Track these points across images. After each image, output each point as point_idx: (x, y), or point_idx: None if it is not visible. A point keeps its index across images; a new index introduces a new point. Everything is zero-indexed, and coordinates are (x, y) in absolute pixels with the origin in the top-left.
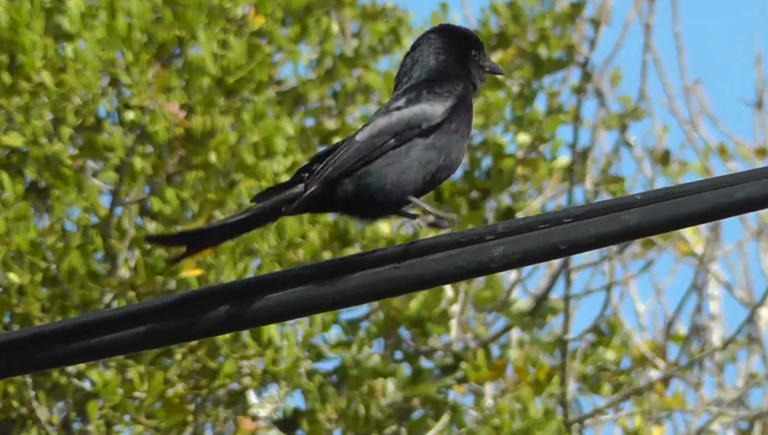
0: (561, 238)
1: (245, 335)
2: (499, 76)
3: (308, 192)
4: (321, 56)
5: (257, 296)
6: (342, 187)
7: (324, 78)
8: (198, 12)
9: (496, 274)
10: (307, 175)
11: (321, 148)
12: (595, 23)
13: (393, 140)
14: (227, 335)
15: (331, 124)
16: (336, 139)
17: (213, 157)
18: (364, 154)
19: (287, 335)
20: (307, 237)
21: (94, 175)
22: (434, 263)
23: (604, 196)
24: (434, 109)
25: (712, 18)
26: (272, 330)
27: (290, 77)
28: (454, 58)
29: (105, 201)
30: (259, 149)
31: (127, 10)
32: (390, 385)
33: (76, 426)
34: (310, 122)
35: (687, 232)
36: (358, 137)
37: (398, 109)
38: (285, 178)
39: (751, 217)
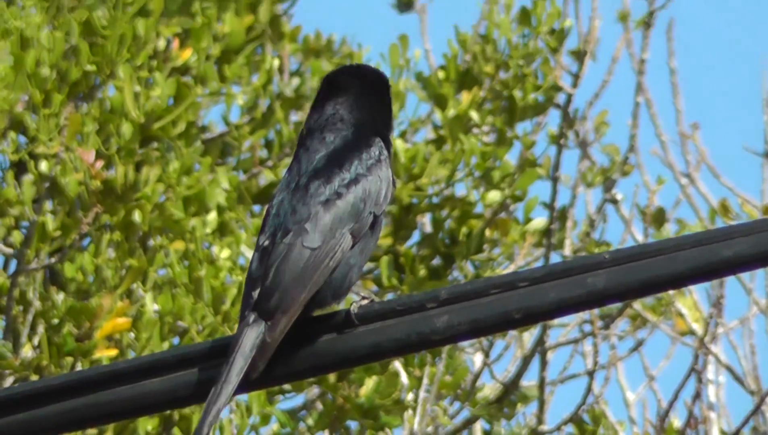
0: (515, 305)
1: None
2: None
3: (278, 333)
4: (254, 96)
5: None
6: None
7: (258, 123)
8: (120, 45)
9: (460, 357)
10: (253, 315)
11: (253, 264)
12: (580, 55)
13: (350, 238)
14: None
15: (266, 177)
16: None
17: (137, 216)
18: (325, 267)
19: (222, 427)
20: None
21: None
22: (366, 336)
23: None
24: (379, 185)
25: (712, 53)
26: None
27: (217, 122)
28: (369, 106)
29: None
30: (189, 205)
31: (36, 42)
32: None
33: None
34: (240, 176)
35: (684, 306)
36: (307, 241)
37: (341, 190)
38: (214, 241)
39: (758, 287)
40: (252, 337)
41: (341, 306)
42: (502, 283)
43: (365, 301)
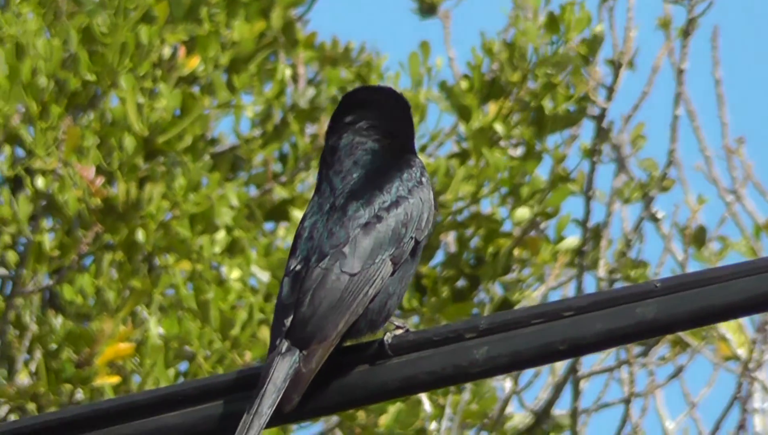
0: (559, 336)
1: None
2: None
3: (315, 364)
4: (267, 108)
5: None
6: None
7: (270, 136)
8: (122, 54)
9: (487, 384)
10: (285, 343)
11: (284, 289)
12: (615, 65)
13: (390, 264)
14: None
15: (279, 193)
16: (293, 213)
17: (140, 235)
18: (364, 295)
19: None
20: (258, 336)
21: None
22: (400, 368)
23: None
24: (421, 208)
25: (760, 62)
26: None
27: (227, 134)
28: (398, 126)
29: None
30: (196, 223)
31: (33, 49)
32: None
33: None
34: (252, 191)
35: (728, 330)
36: (346, 266)
37: (382, 213)
38: (225, 261)
39: None
40: (285, 367)
41: (375, 335)
42: (545, 312)
43: (399, 331)
